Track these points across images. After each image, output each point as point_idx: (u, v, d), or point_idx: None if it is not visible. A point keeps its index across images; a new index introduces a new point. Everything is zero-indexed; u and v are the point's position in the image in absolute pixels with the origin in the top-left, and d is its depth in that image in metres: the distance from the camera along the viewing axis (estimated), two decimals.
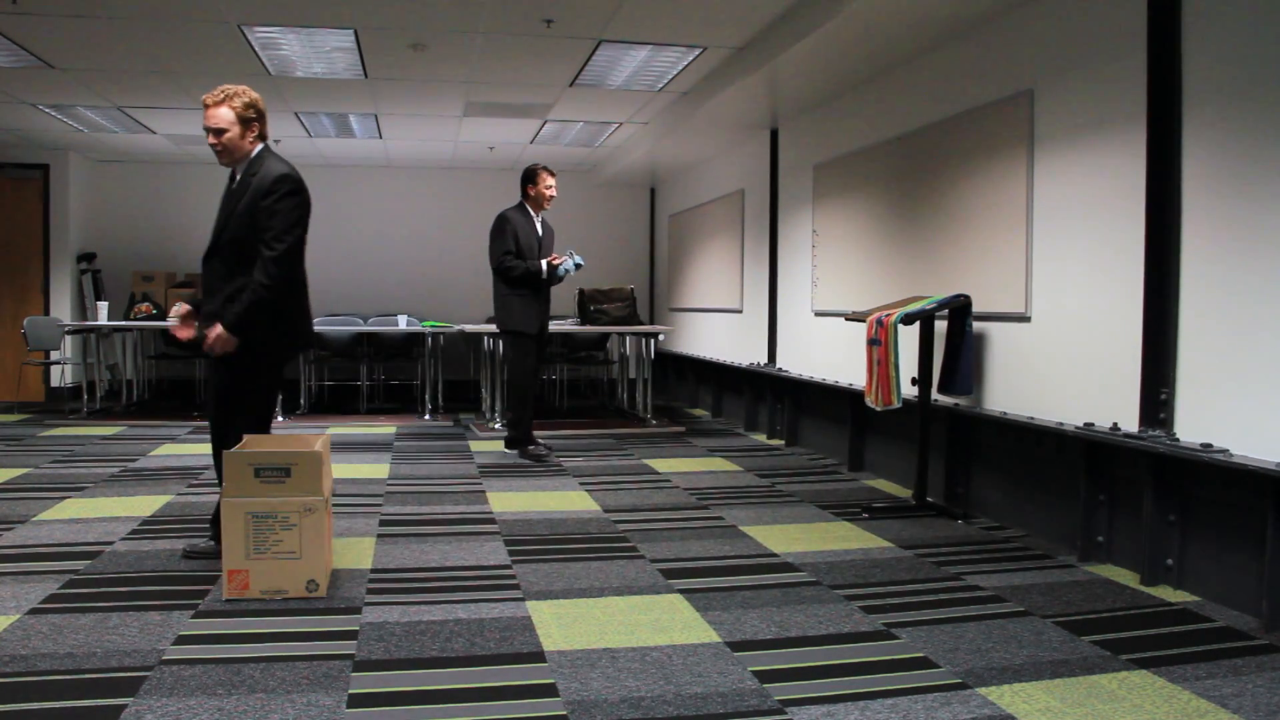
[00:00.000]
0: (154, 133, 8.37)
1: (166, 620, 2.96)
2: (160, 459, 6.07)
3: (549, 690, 2.47)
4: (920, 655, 2.74)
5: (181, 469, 5.69)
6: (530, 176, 6.12)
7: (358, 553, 3.82)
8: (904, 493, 5.09)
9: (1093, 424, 3.74)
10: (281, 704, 2.35)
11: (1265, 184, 3.05)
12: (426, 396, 8.45)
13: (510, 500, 4.89)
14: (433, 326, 8.54)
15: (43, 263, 9.23)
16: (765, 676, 2.57)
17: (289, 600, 3.16)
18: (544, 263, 6.01)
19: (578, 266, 6.12)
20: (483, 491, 5.09)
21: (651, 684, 2.51)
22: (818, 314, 6.38)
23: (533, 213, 6.15)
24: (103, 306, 8.74)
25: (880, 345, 4.52)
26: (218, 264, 3.60)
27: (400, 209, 10.51)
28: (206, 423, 3.79)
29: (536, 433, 6.37)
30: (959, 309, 4.45)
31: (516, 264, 5.98)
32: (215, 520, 3.64)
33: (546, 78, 6.44)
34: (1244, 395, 3.12)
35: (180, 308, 3.80)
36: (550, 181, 6.11)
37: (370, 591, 3.31)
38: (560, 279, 6.14)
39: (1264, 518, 3.04)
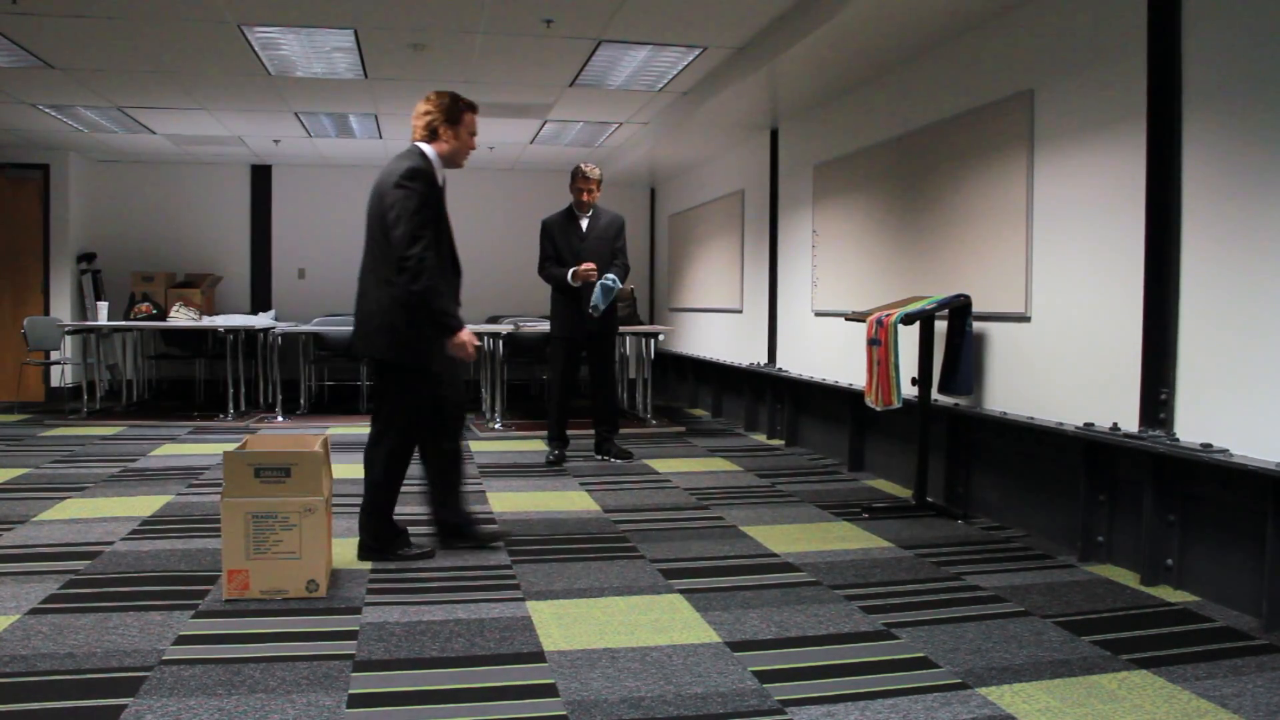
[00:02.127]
0: (154, 133, 8.37)
1: (166, 620, 2.96)
2: (160, 459, 6.07)
3: (549, 690, 2.47)
4: (920, 655, 2.74)
5: (181, 469, 5.69)
6: (570, 177, 5.99)
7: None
8: (904, 493, 5.09)
9: (1093, 424, 3.74)
10: (281, 704, 2.35)
11: (1265, 184, 3.05)
12: None
13: (510, 500, 4.89)
14: None
15: (43, 263, 9.23)
16: (765, 676, 2.57)
17: (289, 600, 3.16)
18: (570, 273, 5.82)
19: (606, 290, 5.81)
20: (483, 491, 5.09)
21: (651, 684, 2.51)
22: (818, 314, 6.38)
23: (578, 213, 6.00)
24: (103, 306, 8.74)
25: (880, 345, 4.52)
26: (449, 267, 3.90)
27: None
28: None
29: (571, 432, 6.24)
30: (959, 309, 4.45)
31: (552, 273, 5.92)
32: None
33: (546, 78, 6.44)
34: (1244, 395, 3.12)
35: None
36: (580, 185, 5.89)
37: (370, 591, 3.31)
38: (601, 302, 5.82)
39: (1264, 518, 3.04)
